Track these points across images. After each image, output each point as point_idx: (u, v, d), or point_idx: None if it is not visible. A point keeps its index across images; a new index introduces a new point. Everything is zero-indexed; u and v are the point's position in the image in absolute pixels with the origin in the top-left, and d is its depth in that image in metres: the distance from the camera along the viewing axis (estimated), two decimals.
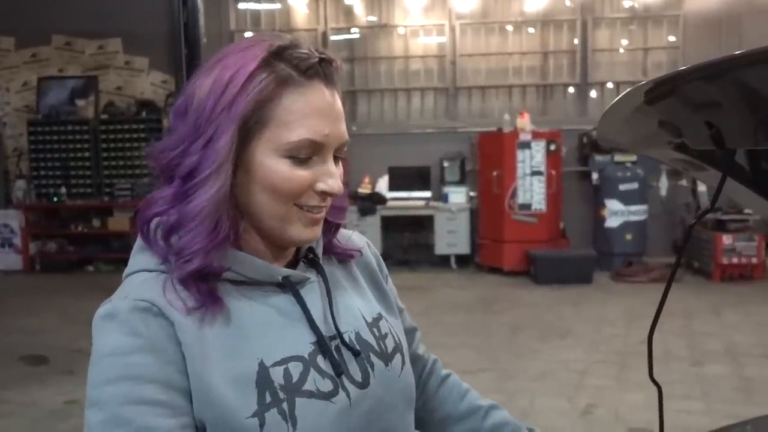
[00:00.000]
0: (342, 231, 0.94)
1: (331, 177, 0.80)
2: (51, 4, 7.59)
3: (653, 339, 0.82)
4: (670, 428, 0.83)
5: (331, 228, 0.91)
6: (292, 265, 0.87)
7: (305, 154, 0.78)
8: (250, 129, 0.77)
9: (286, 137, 0.77)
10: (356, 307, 0.88)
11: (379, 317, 0.90)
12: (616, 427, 3.27)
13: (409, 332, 1.02)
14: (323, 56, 0.80)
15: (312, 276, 0.86)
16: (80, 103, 7.97)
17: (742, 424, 1.25)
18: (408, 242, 7.45)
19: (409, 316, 1.03)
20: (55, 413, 3.60)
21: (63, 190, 7.85)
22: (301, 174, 0.78)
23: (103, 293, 0.80)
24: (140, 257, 0.81)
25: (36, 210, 8.00)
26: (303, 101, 0.77)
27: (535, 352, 4.45)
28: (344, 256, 0.93)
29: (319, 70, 0.79)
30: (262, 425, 0.74)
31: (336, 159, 0.82)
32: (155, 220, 0.79)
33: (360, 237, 1.00)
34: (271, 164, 0.77)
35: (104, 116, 7.89)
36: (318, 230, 0.83)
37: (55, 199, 7.87)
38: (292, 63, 0.77)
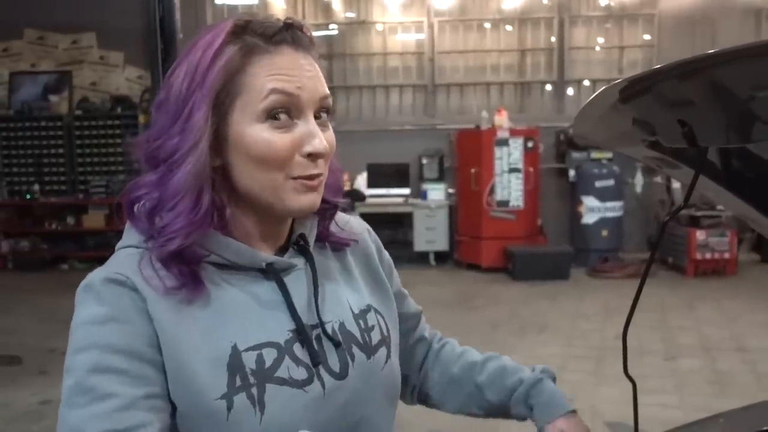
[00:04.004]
0: (340, 215, 0.93)
1: (315, 137, 0.78)
2: None
3: (628, 333, 0.83)
4: (645, 422, 0.84)
5: (327, 213, 0.90)
6: (283, 250, 0.86)
7: (281, 111, 0.77)
8: (224, 102, 0.77)
9: (257, 97, 0.77)
10: (344, 298, 0.87)
11: (368, 309, 0.89)
12: (593, 421, 3.30)
13: (414, 316, 1.02)
14: (289, 21, 0.80)
15: (299, 263, 0.84)
16: (54, 98, 7.83)
17: (714, 417, 1.27)
18: (387, 239, 7.38)
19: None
20: (29, 414, 3.54)
21: (36, 187, 7.71)
22: (283, 136, 0.77)
23: None
24: (130, 233, 0.82)
25: (8, 207, 7.85)
26: (270, 64, 0.77)
27: (513, 347, 4.49)
28: (339, 245, 0.92)
29: (285, 36, 0.79)
30: (229, 408, 0.74)
31: (322, 124, 0.80)
32: (140, 202, 0.80)
33: (360, 223, 0.98)
34: (250, 132, 0.77)
35: (78, 112, 7.75)
36: (316, 198, 0.81)
37: (28, 196, 7.73)
38: (258, 32, 0.78)
